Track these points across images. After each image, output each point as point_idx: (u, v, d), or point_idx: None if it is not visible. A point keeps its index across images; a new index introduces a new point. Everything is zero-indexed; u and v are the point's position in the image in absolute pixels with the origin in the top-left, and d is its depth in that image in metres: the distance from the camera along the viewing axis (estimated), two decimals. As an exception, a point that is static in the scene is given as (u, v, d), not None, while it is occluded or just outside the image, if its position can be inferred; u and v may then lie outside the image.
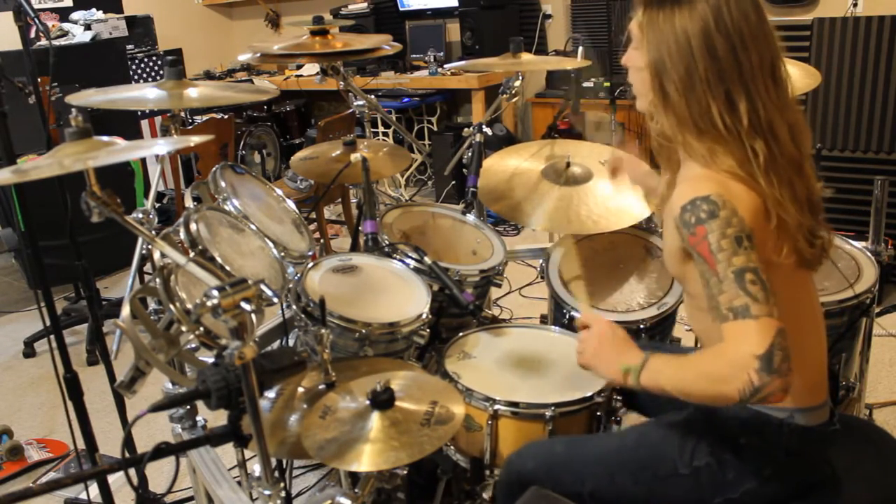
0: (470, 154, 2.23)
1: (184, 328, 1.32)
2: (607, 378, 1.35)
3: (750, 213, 1.17)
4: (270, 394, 1.52)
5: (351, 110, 2.70)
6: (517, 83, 2.34)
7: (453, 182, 4.59)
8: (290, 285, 1.74)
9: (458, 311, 1.82)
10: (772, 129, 1.21)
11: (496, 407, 1.54)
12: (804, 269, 1.29)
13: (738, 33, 1.19)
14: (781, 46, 1.26)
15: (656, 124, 1.30)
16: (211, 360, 1.32)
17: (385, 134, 5.22)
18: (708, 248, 1.14)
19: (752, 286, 1.10)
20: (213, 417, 1.61)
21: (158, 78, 4.98)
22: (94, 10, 4.67)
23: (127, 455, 1.11)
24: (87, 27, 4.38)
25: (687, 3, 1.21)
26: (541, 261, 2.14)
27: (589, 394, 1.56)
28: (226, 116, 3.98)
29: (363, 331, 1.64)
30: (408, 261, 1.86)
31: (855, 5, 3.76)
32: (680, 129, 1.25)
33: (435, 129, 5.22)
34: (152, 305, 1.56)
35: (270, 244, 1.74)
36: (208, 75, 5.65)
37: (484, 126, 2.27)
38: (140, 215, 1.60)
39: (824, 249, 1.28)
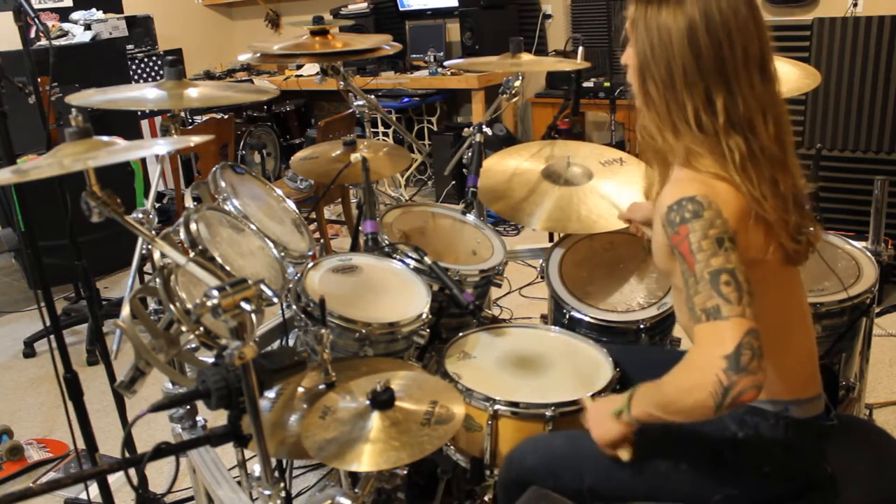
0: (470, 154, 2.23)
1: (184, 328, 1.32)
2: (618, 435, 1.30)
3: (735, 214, 1.17)
4: (270, 394, 1.52)
5: (351, 110, 2.70)
6: (517, 83, 2.34)
7: (453, 182, 4.59)
8: (290, 285, 1.74)
9: (458, 311, 1.82)
10: (751, 125, 1.21)
11: (496, 407, 1.54)
12: (790, 265, 1.29)
13: (726, 28, 1.19)
14: (774, 46, 1.25)
15: (643, 122, 1.30)
16: (211, 360, 1.32)
17: (385, 134, 5.22)
18: (688, 248, 1.14)
19: (726, 287, 1.10)
20: (213, 417, 1.61)
21: (158, 78, 4.98)
22: (94, 10, 4.67)
23: (127, 455, 1.12)
24: (87, 27, 4.38)
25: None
26: (541, 261, 2.14)
27: (589, 394, 1.56)
28: (226, 116, 3.98)
29: (363, 331, 1.64)
30: (408, 261, 1.86)
31: (855, 5, 3.76)
32: (660, 130, 1.26)
33: (435, 129, 5.22)
34: (152, 305, 1.56)
35: (270, 244, 1.74)
36: (208, 75, 5.65)
37: (484, 126, 2.27)
38: (140, 215, 1.60)
39: (810, 244, 1.28)
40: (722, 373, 1.06)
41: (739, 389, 1.05)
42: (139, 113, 4.75)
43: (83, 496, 2.24)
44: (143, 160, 3.87)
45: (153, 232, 1.46)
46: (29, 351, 3.42)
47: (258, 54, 2.47)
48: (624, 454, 1.31)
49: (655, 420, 1.21)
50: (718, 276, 1.10)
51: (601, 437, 1.33)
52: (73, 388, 2.02)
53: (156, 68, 5.11)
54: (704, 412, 1.09)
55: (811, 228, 1.28)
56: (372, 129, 2.84)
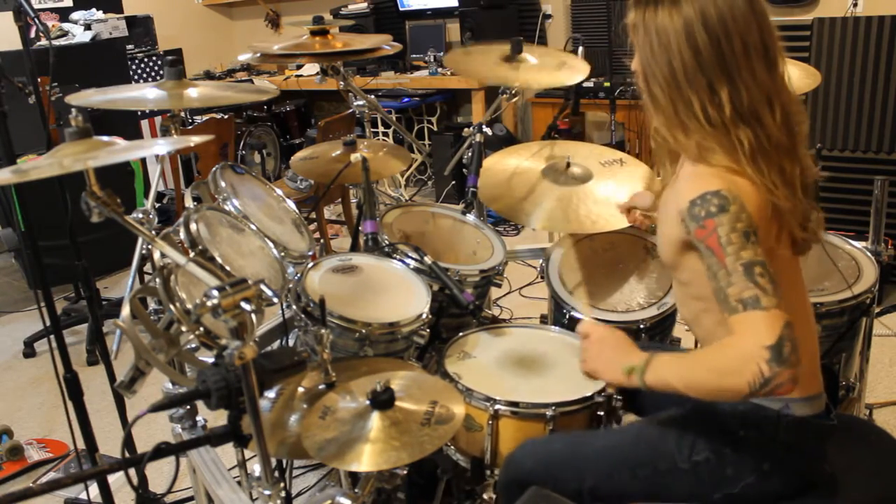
0: (470, 154, 2.23)
1: (184, 328, 1.32)
2: (611, 381, 1.33)
3: (756, 208, 1.19)
4: (270, 394, 1.52)
5: (351, 110, 2.70)
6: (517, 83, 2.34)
7: (453, 182, 4.59)
8: (290, 285, 1.74)
9: (458, 311, 1.82)
10: (757, 115, 1.22)
11: (496, 407, 1.54)
12: (796, 254, 1.30)
13: (722, 23, 1.20)
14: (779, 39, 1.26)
15: (655, 125, 1.31)
16: (211, 360, 1.32)
17: (385, 134, 5.22)
18: (717, 242, 1.15)
19: (761, 278, 1.11)
20: (213, 417, 1.61)
21: (158, 78, 4.98)
22: (94, 10, 4.67)
23: (127, 455, 1.11)
24: (87, 27, 4.38)
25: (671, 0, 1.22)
26: (541, 261, 2.14)
27: (589, 393, 1.56)
28: (226, 116, 3.98)
29: (363, 331, 1.64)
30: (408, 261, 1.86)
31: (855, 5, 3.76)
32: (669, 129, 1.27)
33: (435, 129, 5.22)
34: (152, 305, 1.56)
35: (270, 244, 1.74)
36: (208, 75, 5.65)
37: (484, 126, 2.27)
38: (140, 215, 1.60)
39: (815, 233, 1.29)
40: (765, 363, 1.07)
41: (779, 381, 1.07)
42: (139, 113, 4.76)
43: (83, 496, 2.24)
44: (143, 160, 3.88)
45: (153, 232, 1.47)
46: (29, 351, 3.42)
47: (258, 54, 2.47)
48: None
49: (669, 390, 1.20)
50: (752, 268, 1.12)
51: (596, 372, 1.32)
52: (73, 388, 2.02)
53: (156, 68, 5.11)
54: (734, 396, 1.12)
55: (815, 215, 1.28)
56: (372, 129, 2.84)
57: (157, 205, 2.16)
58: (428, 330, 1.73)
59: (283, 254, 1.75)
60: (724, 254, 1.14)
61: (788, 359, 1.07)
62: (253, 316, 0.99)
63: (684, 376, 1.18)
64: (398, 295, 1.79)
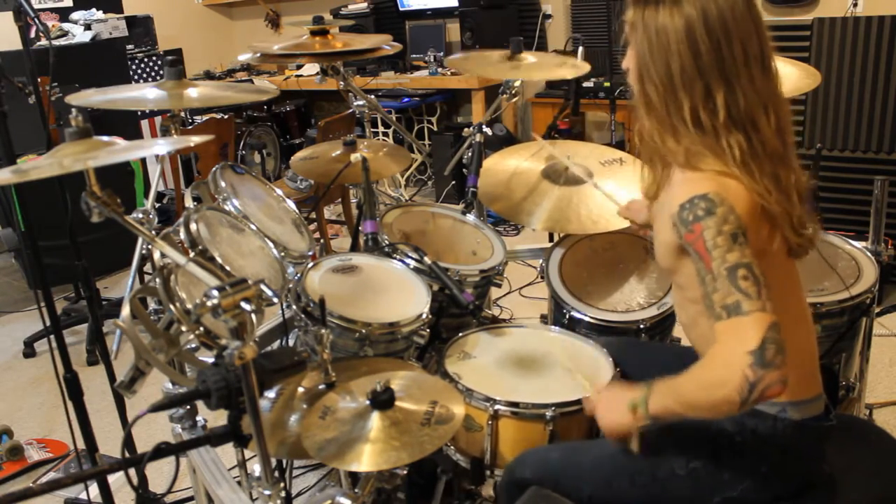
0: (470, 154, 2.23)
1: (184, 328, 1.32)
2: (623, 425, 1.28)
3: (746, 210, 1.18)
4: (270, 394, 1.52)
5: (351, 110, 2.70)
6: (517, 83, 2.34)
7: (453, 182, 4.59)
8: (290, 285, 1.74)
9: (458, 311, 1.82)
10: (752, 121, 1.21)
11: (496, 407, 1.54)
12: (791, 258, 1.30)
13: (723, 27, 1.19)
14: (774, 46, 1.26)
15: (644, 123, 1.30)
16: (211, 360, 1.32)
17: (385, 134, 5.22)
18: (704, 246, 1.15)
19: (744, 282, 1.10)
20: (213, 417, 1.61)
21: (158, 78, 4.98)
22: (94, 10, 4.67)
23: (127, 455, 1.12)
24: (87, 27, 4.38)
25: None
26: (541, 261, 2.14)
27: (589, 394, 1.56)
28: (226, 116, 3.98)
29: (363, 331, 1.64)
30: (408, 261, 1.86)
31: (855, 5, 3.76)
32: (660, 132, 1.26)
33: (435, 129, 5.22)
34: (152, 305, 1.57)
35: (270, 244, 1.74)
36: (208, 75, 5.65)
37: (484, 126, 2.27)
38: (140, 215, 1.60)
39: (811, 240, 1.29)
40: (748, 368, 1.06)
41: (766, 384, 1.06)
42: (139, 113, 4.76)
43: (83, 496, 2.24)
44: (143, 160, 3.88)
45: (153, 232, 1.47)
46: (29, 351, 3.42)
47: (258, 54, 2.47)
48: (633, 444, 1.30)
49: (674, 416, 1.20)
50: (736, 272, 1.11)
51: (610, 425, 1.31)
52: (73, 388, 2.02)
53: (156, 68, 5.11)
54: (730, 408, 1.10)
55: (811, 224, 1.28)
56: (372, 129, 2.85)
57: (157, 205, 2.17)
58: (428, 330, 1.73)
59: (283, 254, 1.75)
60: (710, 258, 1.14)
61: (773, 361, 1.06)
62: (253, 316, 0.99)
63: (680, 397, 1.18)
64: (398, 295, 1.79)
